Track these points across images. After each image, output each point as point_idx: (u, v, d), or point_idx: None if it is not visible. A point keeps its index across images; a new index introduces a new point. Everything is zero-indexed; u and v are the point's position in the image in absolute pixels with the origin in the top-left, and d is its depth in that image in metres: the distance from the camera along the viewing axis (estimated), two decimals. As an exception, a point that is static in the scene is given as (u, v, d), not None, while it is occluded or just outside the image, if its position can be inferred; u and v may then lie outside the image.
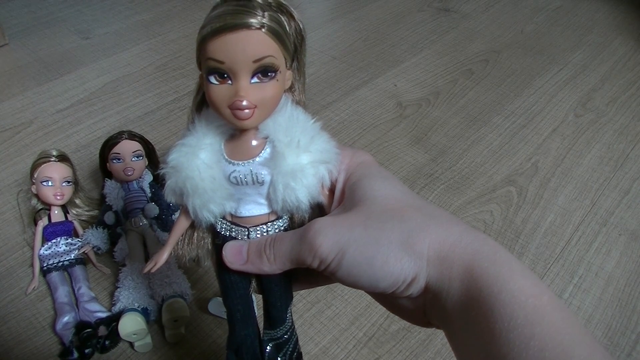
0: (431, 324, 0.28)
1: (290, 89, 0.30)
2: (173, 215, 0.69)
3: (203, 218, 0.29)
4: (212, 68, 0.26)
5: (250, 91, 0.26)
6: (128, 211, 0.67)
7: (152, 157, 0.71)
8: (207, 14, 0.26)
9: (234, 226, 0.31)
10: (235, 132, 0.29)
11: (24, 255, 0.67)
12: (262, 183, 0.29)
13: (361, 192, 0.28)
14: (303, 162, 0.28)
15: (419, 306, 0.27)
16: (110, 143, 0.67)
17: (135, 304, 0.57)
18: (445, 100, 0.99)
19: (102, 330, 0.56)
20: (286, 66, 0.27)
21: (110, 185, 0.67)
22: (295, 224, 0.31)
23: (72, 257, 0.64)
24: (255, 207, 0.30)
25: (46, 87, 0.98)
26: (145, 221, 0.67)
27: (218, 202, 0.29)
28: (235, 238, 0.31)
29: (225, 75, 0.26)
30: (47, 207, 0.66)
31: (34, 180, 0.65)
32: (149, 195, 0.68)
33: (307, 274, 0.32)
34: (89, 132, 0.87)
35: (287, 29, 0.27)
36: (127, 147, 0.67)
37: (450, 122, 0.94)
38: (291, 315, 0.34)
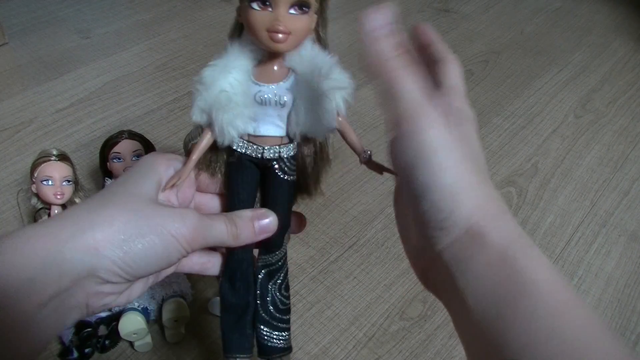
0: (427, 285, 0.29)
1: (315, 29, 0.33)
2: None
3: (228, 134, 0.32)
4: None
5: (288, 19, 0.30)
6: (128, 211, 0.67)
7: (152, 157, 0.71)
8: None
9: (250, 144, 0.34)
10: (263, 59, 0.33)
11: (23, 255, 0.67)
12: (283, 105, 0.33)
13: (464, 118, 0.28)
14: (324, 88, 0.31)
15: (429, 263, 0.27)
16: (110, 142, 0.67)
17: (135, 304, 0.57)
18: (445, 100, 0.99)
19: (102, 330, 0.56)
20: (315, 8, 0.31)
21: (110, 185, 0.67)
22: (308, 149, 0.35)
23: (72, 257, 0.64)
24: (272, 128, 0.34)
25: (46, 87, 0.98)
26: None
27: (245, 119, 0.32)
28: (250, 155, 0.34)
29: (267, 3, 0.30)
30: (47, 206, 0.66)
31: (33, 180, 0.65)
32: (149, 194, 0.68)
33: None
34: (89, 132, 0.87)
35: None
36: (128, 147, 0.66)
37: (450, 123, 0.94)
38: (286, 242, 0.37)
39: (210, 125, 0.33)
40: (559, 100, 1.01)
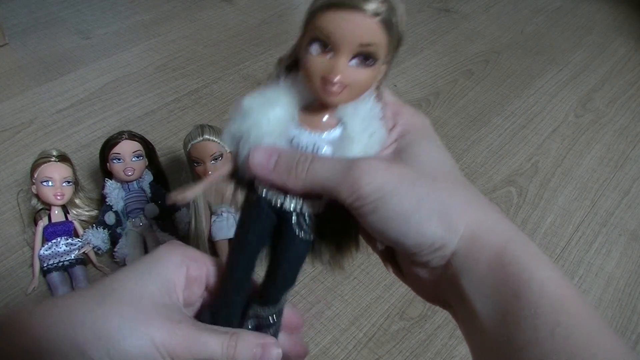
0: (438, 301, 0.29)
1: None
2: (173, 215, 0.69)
3: None
4: (317, 38, 0.26)
5: (347, 71, 0.26)
6: (128, 211, 0.67)
7: (153, 158, 0.71)
8: None
9: (272, 188, 0.30)
10: (313, 103, 0.29)
11: (24, 255, 0.67)
12: None
13: (416, 151, 0.28)
14: (370, 153, 0.28)
15: (435, 278, 0.27)
16: (110, 143, 0.67)
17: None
18: (445, 100, 0.99)
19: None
20: (384, 59, 0.27)
21: (110, 186, 0.67)
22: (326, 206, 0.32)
23: (72, 257, 0.64)
24: None
25: (46, 87, 0.98)
26: (145, 221, 0.67)
27: None
28: (269, 200, 0.30)
29: (328, 48, 0.26)
30: (47, 207, 0.66)
31: (34, 180, 0.65)
32: (150, 195, 0.68)
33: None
34: (89, 132, 0.87)
35: (398, 26, 0.27)
36: (128, 147, 0.67)
37: (450, 123, 0.94)
38: (285, 300, 0.33)
39: (236, 154, 0.30)
40: (559, 99, 1.01)
